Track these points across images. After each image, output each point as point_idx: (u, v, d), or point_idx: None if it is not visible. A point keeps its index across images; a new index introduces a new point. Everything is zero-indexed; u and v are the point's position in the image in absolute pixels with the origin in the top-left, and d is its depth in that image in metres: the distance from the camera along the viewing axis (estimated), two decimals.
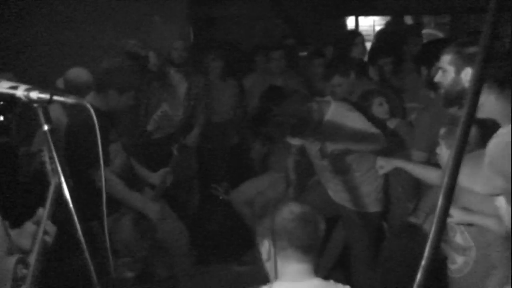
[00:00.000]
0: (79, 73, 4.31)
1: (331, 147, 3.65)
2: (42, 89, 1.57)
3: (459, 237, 2.82)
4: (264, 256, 2.11)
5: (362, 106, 4.03)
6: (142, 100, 4.91)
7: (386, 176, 3.95)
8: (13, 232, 1.92)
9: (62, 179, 1.61)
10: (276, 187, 4.71)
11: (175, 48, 5.04)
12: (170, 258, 4.05)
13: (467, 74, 2.80)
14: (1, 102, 4.37)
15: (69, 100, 1.59)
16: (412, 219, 3.65)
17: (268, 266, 2.13)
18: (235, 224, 5.07)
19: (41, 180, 4.76)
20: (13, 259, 1.69)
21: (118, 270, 3.54)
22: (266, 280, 4.30)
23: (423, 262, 1.08)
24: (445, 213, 1.06)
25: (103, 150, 2.61)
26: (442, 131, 2.96)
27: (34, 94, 1.56)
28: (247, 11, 7.44)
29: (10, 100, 1.67)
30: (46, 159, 1.83)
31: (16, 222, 2.06)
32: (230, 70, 5.79)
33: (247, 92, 5.83)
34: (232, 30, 7.13)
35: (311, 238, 2.06)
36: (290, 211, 2.07)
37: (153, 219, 3.70)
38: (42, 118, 1.58)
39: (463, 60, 2.56)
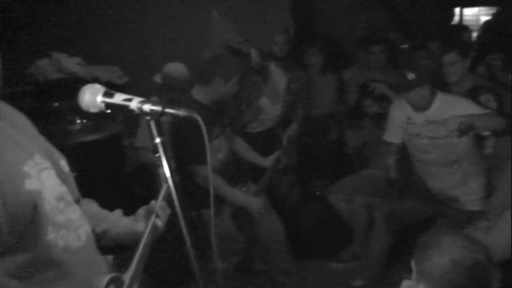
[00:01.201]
0: (177, 68, 4.38)
1: (457, 121, 3.51)
2: (154, 102, 1.62)
3: None
4: None
5: None
6: (243, 94, 4.94)
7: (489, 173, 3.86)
8: (128, 219, 1.93)
9: (171, 181, 1.64)
10: (375, 185, 4.61)
11: (277, 42, 5.02)
12: (267, 253, 4.06)
13: None
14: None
15: (180, 112, 1.63)
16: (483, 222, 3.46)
17: None
18: (333, 220, 5.02)
19: (146, 171, 4.94)
20: (104, 280, 1.58)
21: (214, 261, 3.59)
22: (362, 277, 4.27)
23: None
24: None
25: (204, 147, 2.63)
26: None
27: (147, 107, 1.61)
28: (350, 3, 7.32)
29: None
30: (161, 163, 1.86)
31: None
32: (330, 64, 5.73)
33: (346, 86, 5.75)
34: (334, 23, 7.02)
35: None
36: (452, 259, 1.71)
37: (255, 214, 3.70)
38: (154, 130, 1.61)
39: None
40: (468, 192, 3.90)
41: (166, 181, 1.68)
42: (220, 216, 3.68)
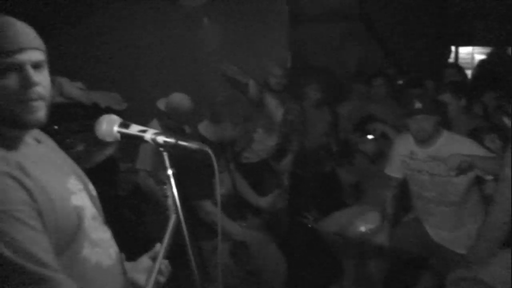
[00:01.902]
0: (181, 99, 4.45)
1: (458, 159, 3.53)
2: (168, 134, 1.65)
3: None
4: None
5: None
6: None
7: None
8: (128, 265, 1.91)
9: (180, 212, 1.68)
10: (368, 220, 4.63)
11: (274, 74, 5.07)
12: (264, 285, 4.06)
13: None
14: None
15: (193, 146, 1.66)
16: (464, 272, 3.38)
17: None
18: (323, 253, 5.03)
19: (138, 195, 4.92)
20: None
21: None
22: None
23: None
24: None
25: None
26: None
27: (161, 139, 1.65)
28: (345, 37, 7.43)
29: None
30: (169, 193, 1.91)
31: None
32: (325, 97, 5.80)
33: (343, 119, 5.81)
34: (329, 56, 7.12)
35: None
36: None
37: (251, 246, 3.75)
38: (167, 162, 1.65)
39: None
40: (464, 236, 3.82)
41: (175, 212, 1.71)
42: (219, 251, 3.71)
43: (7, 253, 1.36)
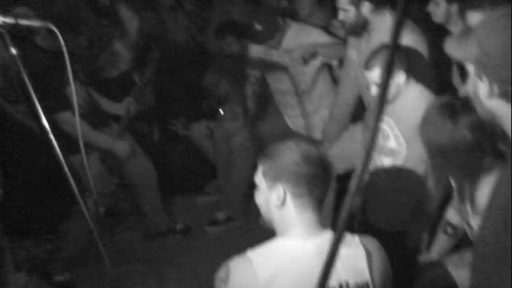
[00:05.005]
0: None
1: (301, 49, 3.74)
2: (6, 14, 1.57)
3: (392, 142, 2.90)
4: (275, 202, 1.81)
5: None
6: (94, 39, 4.84)
7: None
8: None
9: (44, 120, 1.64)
10: (234, 119, 4.76)
11: None
12: (137, 194, 4.15)
13: (366, 7, 3.06)
14: None
15: (35, 23, 1.60)
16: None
17: (278, 215, 1.83)
18: (196, 157, 5.14)
19: None
20: None
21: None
22: (225, 209, 4.42)
23: None
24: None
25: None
26: None
27: None
28: None
29: None
30: None
31: None
32: (181, 3, 5.70)
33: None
34: None
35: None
36: (304, 155, 1.77)
37: (122, 157, 3.82)
38: (8, 41, 1.58)
39: None
40: (319, 121, 4.08)
41: None
42: (89, 160, 3.69)
43: None
